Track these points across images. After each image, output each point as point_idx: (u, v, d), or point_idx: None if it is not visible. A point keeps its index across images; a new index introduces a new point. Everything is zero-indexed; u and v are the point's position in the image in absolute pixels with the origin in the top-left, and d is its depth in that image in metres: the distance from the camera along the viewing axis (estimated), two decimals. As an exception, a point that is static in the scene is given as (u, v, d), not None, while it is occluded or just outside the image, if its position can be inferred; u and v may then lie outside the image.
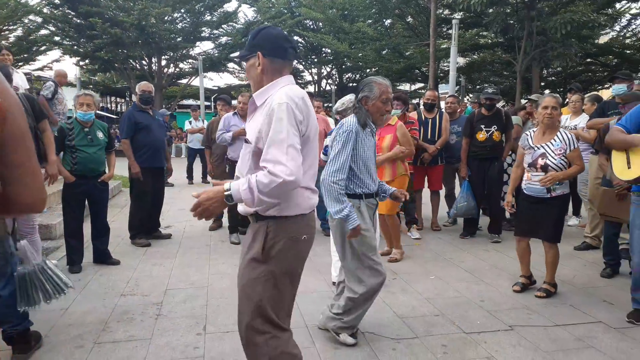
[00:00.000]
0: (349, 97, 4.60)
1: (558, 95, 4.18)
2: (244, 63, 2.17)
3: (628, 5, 18.11)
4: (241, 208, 2.09)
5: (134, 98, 5.89)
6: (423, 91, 23.18)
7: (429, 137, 6.11)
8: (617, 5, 17.41)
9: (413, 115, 6.52)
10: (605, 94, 18.09)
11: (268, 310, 2.04)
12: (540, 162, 3.92)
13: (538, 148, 3.97)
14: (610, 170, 4.41)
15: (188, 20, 21.12)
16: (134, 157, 5.44)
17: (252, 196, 1.84)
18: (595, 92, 6.61)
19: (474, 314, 3.67)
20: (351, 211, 2.85)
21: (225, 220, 6.24)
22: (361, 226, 2.92)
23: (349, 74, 25.33)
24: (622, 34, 19.31)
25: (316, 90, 25.54)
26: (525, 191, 4.07)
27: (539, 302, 3.88)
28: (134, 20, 17.83)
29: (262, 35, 2.08)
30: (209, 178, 7.84)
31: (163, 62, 21.37)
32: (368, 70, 23.20)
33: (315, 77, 25.81)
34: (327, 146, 4.34)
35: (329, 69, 24.82)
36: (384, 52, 20.05)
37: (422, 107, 6.68)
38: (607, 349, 3.09)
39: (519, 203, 4.17)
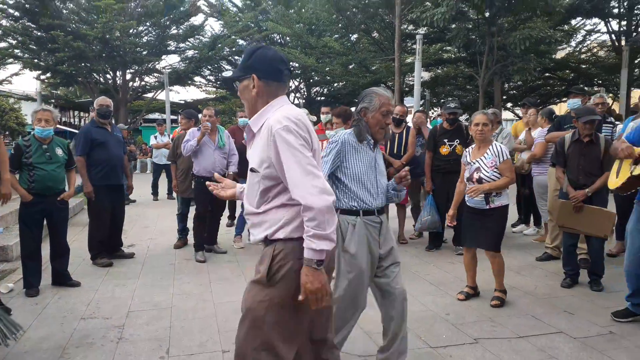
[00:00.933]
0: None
1: (487, 111, 4.43)
2: (237, 84, 2.09)
3: (582, 22, 18.93)
4: (252, 237, 2.06)
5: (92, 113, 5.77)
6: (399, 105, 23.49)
7: (395, 152, 6.18)
8: (572, 22, 18.17)
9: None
10: (563, 107, 18.75)
11: (273, 337, 1.95)
12: (475, 175, 4.11)
13: (474, 163, 4.17)
14: (565, 183, 4.60)
15: (154, 33, 20.92)
16: (90, 174, 5.30)
17: (322, 243, 1.81)
18: (549, 107, 7.00)
19: (439, 327, 3.70)
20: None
21: (190, 237, 6.14)
22: (347, 249, 2.79)
23: (317, 88, 25.49)
24: (578, 49, 20.13)
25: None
26: (468, 203, 4.22)
27: (502, 314, 3.95)
28: (97, 34, 17.54)
29: (257, 57, 2.03)
30: (174, 194, 7.71)
31: (128, 76, 21.06)
32: (335, 84, 23.42)
33: (288, 82, 25.84)
34: None
35: (296, 83, 24.91)
36: (350, 67, 20.28)
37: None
38: (567, 358, 3.16)
39: (463, 215, 4.30)
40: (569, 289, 4.55)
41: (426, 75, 20.34)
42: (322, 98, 24.67)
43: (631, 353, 3.24)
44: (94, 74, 20.30)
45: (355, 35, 21.01)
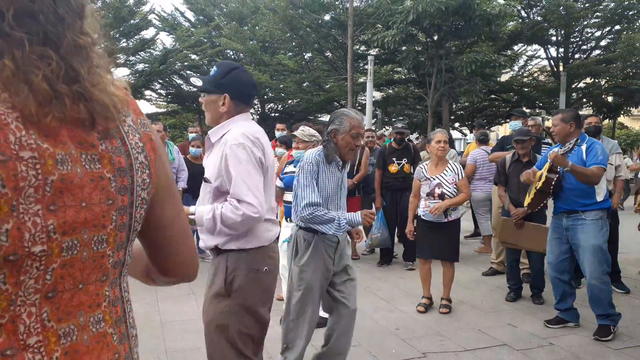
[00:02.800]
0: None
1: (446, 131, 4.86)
2: (203, 94, 2.17)
3: (524, 47, 19.97)
4: (202, 243, 2.13)
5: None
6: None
7: (347, 170, 6.26)
8: (515, 48, 19.15)
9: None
10: (507, 127, 19.61)
11: (239, 344, 2.05)
12: (437, 191, 4.35)
13: (434, 179, 4.37)
14: (507, 201, 4.84)
15: (102, 46, 20.37)
16: None
17: (214, 226, 1.93)
18: (482, 130, 7.55)
19: (389, 342, 3.75)
20: (346, 217, 2.80)
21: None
22: (298, 264, 2.86)
23: (271, 104, 25.54)
24: (520, 73, 21.19)
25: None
26: (423, 217, 4.41)
27: (450, 328, 4.05)
28: (42, 44, 16.91)
29: (233, 78, 2.10)
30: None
31: (74, 89, 20.35)
32: (290, 101, 23.54)
33: (253, 102, 25.73)
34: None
35: (250, 99, 24.89)
36: (304, 85, 20.48)
37: None
38: (511, 371, 3.27)
39: (418, 229, 4.46)
40: (513, 303, 4.72)
41: (378, 95, 20.80)
42: (276, 114, 24.73)
43: (569, 363, 3.39)
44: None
45: (309, 54, 21.27)
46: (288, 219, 4.12)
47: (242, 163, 1.96)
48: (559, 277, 3.99)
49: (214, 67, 2.18)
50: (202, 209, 2.00)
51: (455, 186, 4.35)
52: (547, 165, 3.84)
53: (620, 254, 5.27)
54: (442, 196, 4.32)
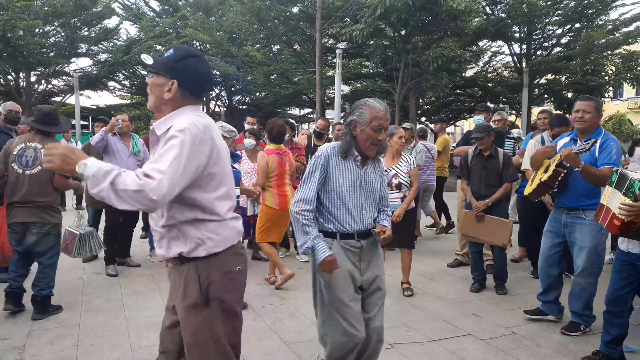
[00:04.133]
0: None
1: (405, 125, 5.14)
2: (149, 75, 1.97)
3: (489, 44, 20.37)
4: (160, 251, 1.99)
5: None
6: (311, 116, 23.85)
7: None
8: (480, 44, 19.50)
9: (302, 140, 6.70)
10: (472, 122, 20.00)
11: (229, 351, 1.97)
12: (394, 181, 4.62)
13: (390, 170, 4.62)
14: (469, 194, 4.96)
15: (62, 34, 19.68)
16: None
17: (101, 181, 1.64)
18: (422, 126, 7.96)
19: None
20: (316, 242, 2.48)
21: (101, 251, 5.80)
22: (323, 275, 2.57)
23: (239, 97, 25.27)
24: (485, 69, 21.62)
25: (205, 111, 25.06)
26: None
27: (416, 319, 4.11)
28: (-3, 32, 16.19)
29: (186, 65, 1.93)
30: (84, 204, 7.28)
31: (33, 78, 19.61)
32: (258, 94, 23.34)
33: (204, 98, 25.39)
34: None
35: (217, 91, 24.54)
36: (272, 77, 20.33)
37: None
38: (474, 359, 3.36)
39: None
40: (477, 294, 4.83)
41: (346, 89, 20.86)
42: (244, 107, 24.48)
43: (531, 351, 3.50)
44: (-6, 75, 18.74)
45: (277, 47, 21.11)
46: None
47: (174, 147, 1.75)
48: (548, 270, 4.00)
49: (171, 50, 1.99)
50: (103, 164, 1.69)
51: (408, 176, 4.66)
52: (556, 158, 3.62)
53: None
54: (399, 186, 4.63)
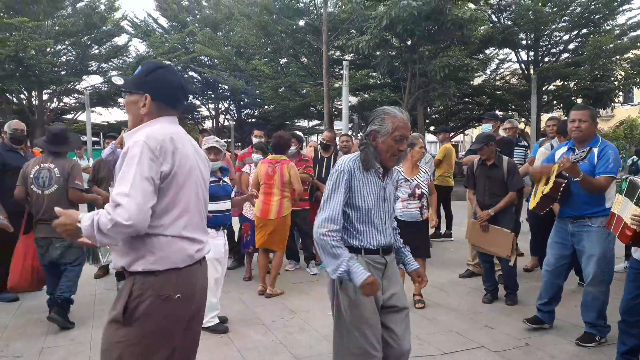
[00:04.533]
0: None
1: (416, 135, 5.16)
2: (124, 96, 1.99)
3: (495, 51, 20.35)
4: (112, 264, 1.95)
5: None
6: (320, 127, 23.91)
7: (322, 176, 6.28)
8: (487, 51, 19.50)
9: (309, 152, 6.71)
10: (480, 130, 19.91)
11: None
12: (417, 191, 4.66)
13: (413, 180, 4.65)
14: (474, 204, 4.94)
15: (73, 53, 20.01)
16: (2, 200, 4.92)
17: (94, 234, 1.70)
18: (415, 133, 8.15)
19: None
20: (350, 265, 2.25)
21: (112, 266, 5.82)
22: (348, 294, 2.37)
23: (247, 110, 25.44)
24: (492, 76, 21.58)
25: (214, 125, 25.27)
26: (400, 218, 4.53)
27: (428, 332, 4.07)
28: (10, 52, 16.50)
29: (155, 77, 1.92)
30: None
31: (45, 97, 19.93)
32: (266, 107, 23.48)
33: (213, 113, 25.58)
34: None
35: (226, 105, 24.72)
36: (280, 90, 20.46)
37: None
38: (489, 372, 3.31)
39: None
40: (489, 304, 4.77)
41: (354, 100, 20.91)
42: (253, 120, 24.63)
43: (545, 363, 3.45)
44: (7, 94, 19.04)
45: (284, 60, 21.27)
46: (213, 230, 4.01)
47: (132, 162, 1.73)
48: (553, 281, 3.95)
49: (139, 67, 1.99)
50: (86, 215, 1.74)
51: (427, 186, 4.75)
52: (555, 169, 3.65)
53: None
54: (421, 196, 4.66)
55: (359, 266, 2.27)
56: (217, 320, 4.06)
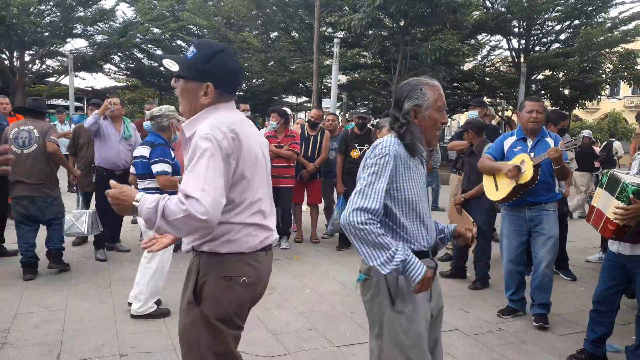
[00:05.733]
0: (167, 107, 4.14)
1: None
2: (178, 81, 1.85)
3: (487, 37, 20.30)
4: (183, 247, 1.90)
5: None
6: (308, 105, 23.76)
7: (309, 154, 6.25)
8: (479, 37, 19.43)
9: (295, 129, 6.65)
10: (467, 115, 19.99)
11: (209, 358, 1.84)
12: None
13: None
14: (457, 188, 5.05)
15: (58, 14, 19.41)
16: None
17: (154, 219, 1.63)
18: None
19: (345, 326, 3.78)
20: (407, 254, 1.85)
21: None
22: (401, 309, 1.96)
23: (234, 83, 25.10)
24: (483, 63, 21.56)
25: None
26: None
27: (404, 313, 4.11)
28: (-9, 9, 15.96)
29: (217, 64, 1.81)
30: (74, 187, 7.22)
31: (27, 58, 19.37)
32: (254, 80, 23.19)
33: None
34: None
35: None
36: (269, 64, 20.19)
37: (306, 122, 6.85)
38: (460, 355, 3.37)
39: None
40: (465, 289, 4.83)
41: (343, 79, 20.75)
42: (240, 93, 24.34)
43: (516, 348, 3.52)
44: (-13, 53, 18.50)
45: (275, 33, 20.96)
46: None
47: (203, 157, 1.69)
48: (516, 269, 4.05)
49: (192, 48, 1.84)
50: (148, 196, 1.68)
51: None
52: (526, 159, 3.74)
53: (568, 242, 5.47)
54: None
55: (414, 258, 1.87)
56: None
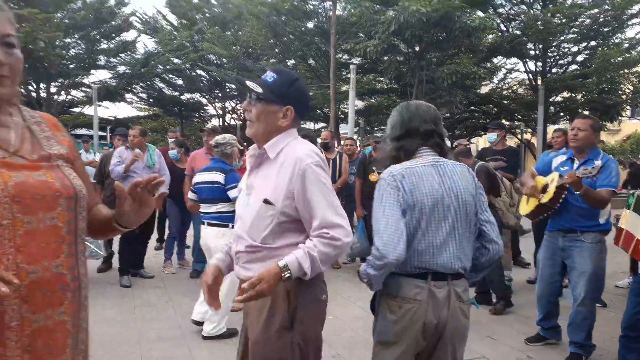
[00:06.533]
0: (230, 135, 4.42)
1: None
2: (255, 103, 1.87)
3: (503, 60, 20.34)
4: (246, 273, 1.85)
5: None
6: (325, 131, 23.93)
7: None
8: (495, 60, 19.49)
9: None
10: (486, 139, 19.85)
11: None
12: None
13: None
14: None
15: (82, 46, 20.08)
16: None
17: (314, 269, 1.72)
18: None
19: (369, 353, 3.72)
20: None
21: (115, 261, 5.84)
22: None
23: (253, 110, 25.41)
24: (500, 86, 21.54)
25: (221, 124, 25.33)
26: None
27: (429, 339, 4.05)
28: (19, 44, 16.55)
29: (298, 89, 1.89)
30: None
31: (53, 89, 20.00)
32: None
33: (220, 112, 25.63)
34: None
35: (233, 104, 24.74)
36: (287, 91, 20.42)
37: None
38: (489, 382, 3.30)
39: None
40: (492, 315, 4.74)
41: (360, 104, 20.92)
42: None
43: (546, 374, 3.43)
44: (15, 86, 19.11)
45: (292, 61, 21.29)
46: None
47: (325, 184, 1.78)
48: (549, 298, 3.85)
49: (272, 74, 1.91)
50: (293, 258, 1.70)
51: None
52: (555, 178, 3.50)
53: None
54: None
55: None
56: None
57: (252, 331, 1.87)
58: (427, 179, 1.99)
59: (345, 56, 18.52)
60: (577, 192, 3.32)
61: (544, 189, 3.64)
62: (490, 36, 17.19)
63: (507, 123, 19.84)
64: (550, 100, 18.31)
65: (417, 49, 14.33)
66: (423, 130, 2.07)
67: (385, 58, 15.09)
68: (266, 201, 1.80)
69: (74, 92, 21.48)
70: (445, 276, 1.99)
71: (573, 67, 18.91)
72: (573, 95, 18.46)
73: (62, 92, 20.55)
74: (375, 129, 22.93)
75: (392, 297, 2.04)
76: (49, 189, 1.26)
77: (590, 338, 3.66)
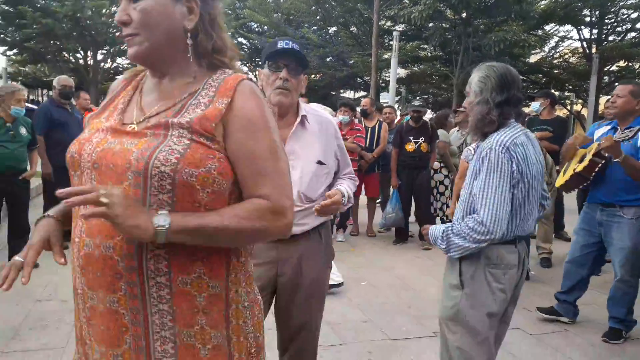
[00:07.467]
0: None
1: None
2: (295, 75, 2.04)
3: (556, 28, 19.35)
4: (301, 228, 1.99)
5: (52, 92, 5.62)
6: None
7: (366, 145, 6.21)
8: (546, 28, 18.57)
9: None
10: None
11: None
12: None
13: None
14: None
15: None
16: (48, 155, 5.11)
17: (350, 199, 2.09)
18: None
19: (400, 320, 3.74)
20: None
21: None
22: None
23: (293, 79, 25.36)
24: (550, 54, 20.58)
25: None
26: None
27: (463, 309, 4.01)
28: (67, 11, 16.98)
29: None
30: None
31: (100, 56, 20.52)
32: (312, 76, 23.35)
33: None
34: None
35: (273, 72, 24.76)
36: (328, 59, 20.24)
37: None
38: (524, 355, 3.24)
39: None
40: (528, 287, 4.63)
41: (402, 72, 20.47)
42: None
43: (583, 350, 3.34)
44: (64, 53, 19.71)
45: (333, 28, 20.99)
46: None
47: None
48: (577, 270, 3.69)
49: (288, 41, 2.08)
50: (349, 191, 2.06)
51: None
52: (594, 147, 3.28)
53: None
54: None
55: None
56: None
57: (312, 272, 2.04)
58: (528, 150, 2.01)
59: (389, 23, 18.07)
60: (616, 160, 3.11)
61: (582, 158, 3.44)
62: (543, 2, 16.33)
63: (557, 93, 19.01)
64: (605, 69, 17.38)
65: (464, 15, 13.81)
66: (517, 99, 2.07)
67: (430, 25, 14.65)
68: (319, 162, 2.00)
69: (119, 60, 21.99)
70: (522, 239, 2.11)
71: (632, 34, 17.79)
72: (630, 64, 17.45)
73: (109, 60, 21.05)
74: (417, 97, 22.44)
75: (497, 266, 2.05)
76: (123, 159, 1.07)
77: (632, 313, 3.53)
